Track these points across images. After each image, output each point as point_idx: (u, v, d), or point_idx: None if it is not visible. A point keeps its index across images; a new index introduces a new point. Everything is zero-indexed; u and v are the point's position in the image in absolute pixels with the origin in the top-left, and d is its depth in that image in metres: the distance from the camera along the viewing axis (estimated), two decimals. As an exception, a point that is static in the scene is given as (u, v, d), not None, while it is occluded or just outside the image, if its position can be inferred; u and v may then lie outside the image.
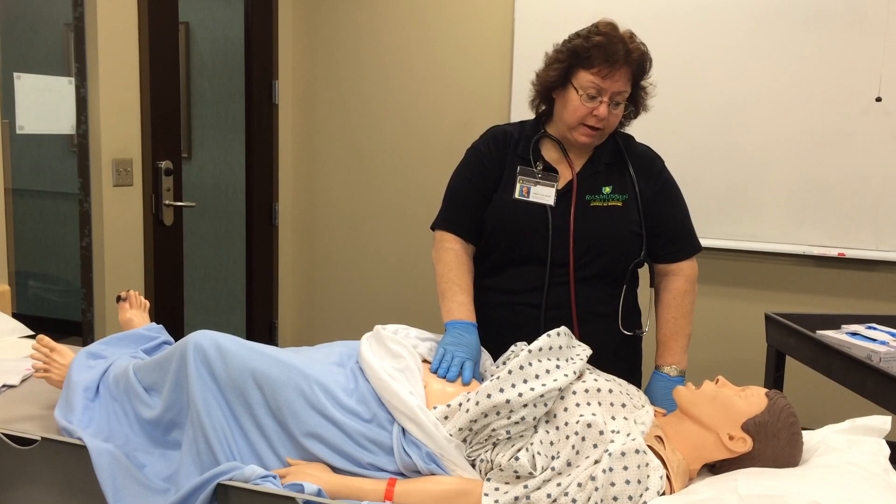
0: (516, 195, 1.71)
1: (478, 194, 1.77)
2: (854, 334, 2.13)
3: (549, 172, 1.72)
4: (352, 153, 3.58)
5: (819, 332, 2.18)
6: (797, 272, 3.06)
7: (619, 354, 1.75)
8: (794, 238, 3.01)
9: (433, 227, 1.81)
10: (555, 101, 1.73)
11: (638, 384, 1.78)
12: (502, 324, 1.74)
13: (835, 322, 2.26)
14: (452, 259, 1.75)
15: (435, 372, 1.54)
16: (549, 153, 1.75)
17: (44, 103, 2.53)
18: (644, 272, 1.79)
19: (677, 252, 1.76)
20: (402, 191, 3.51)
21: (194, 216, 3.93)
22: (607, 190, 1.71)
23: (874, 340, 2.05)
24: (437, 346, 1.61)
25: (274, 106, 3.52)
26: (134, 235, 2.79)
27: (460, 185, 1.80)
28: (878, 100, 2.85)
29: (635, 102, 1.72)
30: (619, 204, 1.70)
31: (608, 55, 1.59)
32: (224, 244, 4.01)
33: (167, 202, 2.88)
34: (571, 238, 1.68)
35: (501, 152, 1.77)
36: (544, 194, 1.70)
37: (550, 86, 1.70)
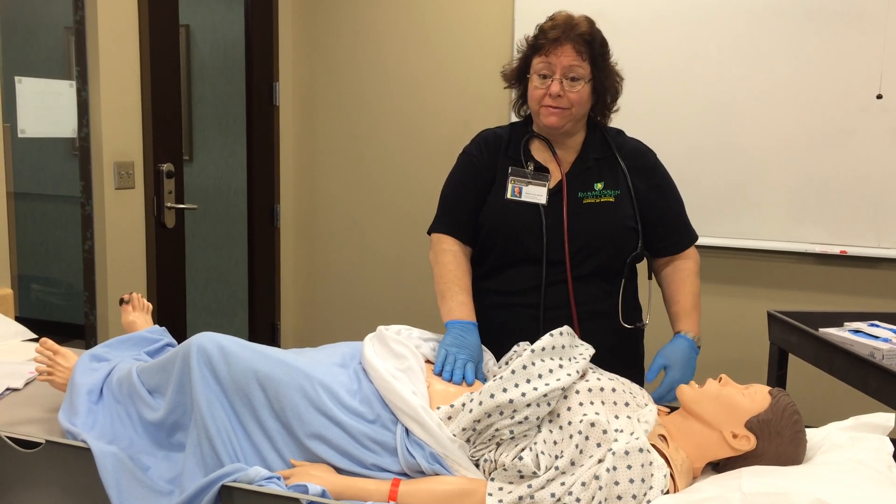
0: (508, 195, 1.73)
1: (472, 196, 1.78)
2: (856, 332, 2.12)
3: (541, 172, 1.73)
4: (352, 154, 3.59)
5: (821, 329, 2.18)
6: (799, 270, 3.06)
7: (619, 351, 1.75)
8: (796, 236, 3.01)
9: (430, 232, 1.83)
10: None
11: (639, 381, 1.78)
12: (502, 325, 1.74)
13: (837, 320, 2.26)
14: (451, 260, 1.76)
15: (439, 375, 1.54)
16: (539, 153, 1.77)
17: (45, 107, 2.53)
18: (642, 267, 1.80)
19: (673, 245, 1.79)
20: (402, 191, 3.52)
21: (196, 218, 3.93)
22: (599, 186, 1.72)
23: (877, 338, 2.05)
24: (439, 347, 1.61)
25: (274, 108, 3.53)
26: (136, 238, 2.79)
27: (454, 188, 1.82)
28: (879, 97, 2.84)
29: (602, 83, 1.70)
30: (611, 199, 1.71)
31: (551, 35, 1.65)
32: (226, 246, 4.01)
33: (169, 205, 2.89)
34: (566, 236, 1.69)
35: (493, 154, 1.79)
36: (536, 193, 1.71)
37: (514, 79, 1.77)
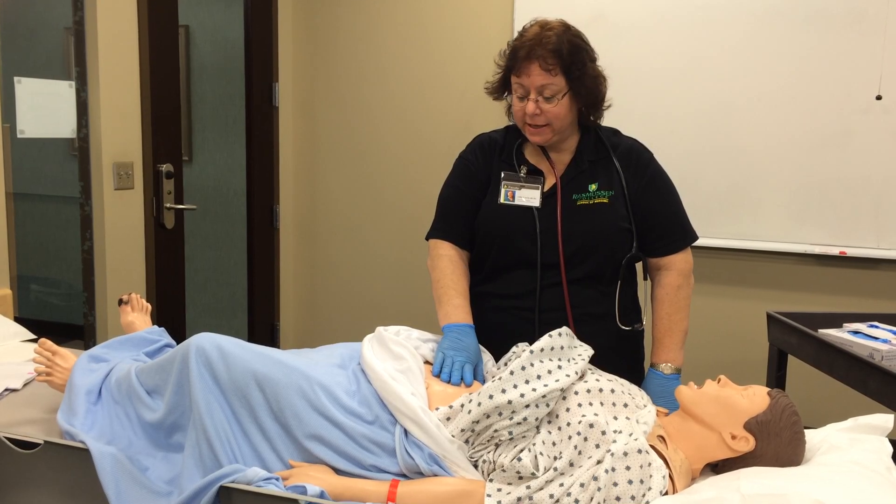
0: (501, 199, 1.73)
1: (468, 201, 1.78)
2: (856, 333, 2.13)
3: (534, 175, 1.73)
4: (352, 155, 3.59)
5: (821, 330, 2.18)
6: (798, 271, 3.06)
7: (619, 353, 1.75)
8: (796, 237, 3.01)
9: (427, 238, 1.83)
10: None
11: (639, 382, 1.78)
12: (499, 328, 1.74)
13: (836, 321, 2.26)
14: (447, 265, 1.76)
15: (437, 376, 1.54)
16: (533, 156, 1.77)
17: (44, 107, 2.53)
18: (641, 268, 1.80)
19: (669, 245, 1.75)
20: (402, 192, 3.52)
21: (195, 219, 3.93)
22: (593, 187, 1.71)
23: (876, 339, 2.05)
24: (436, 351, 1.61)
25: (274, 108, 3.53)
26: (135, 238, 2.79)
27: (450, 193, 1.82)
28: (879, 98, 2.84)
29: (581, 91, 1.64)
30: (605, 201, 1.70)
31: (521, 54, 1.62)
32: (225, 247, 4.01)
33: (168, 205, 2.89)
34: (560, 239, 1.68)
35: (488, 159, 1.79)
36: (529, 197, 1.71)
37: (497, 93, 1.76)
